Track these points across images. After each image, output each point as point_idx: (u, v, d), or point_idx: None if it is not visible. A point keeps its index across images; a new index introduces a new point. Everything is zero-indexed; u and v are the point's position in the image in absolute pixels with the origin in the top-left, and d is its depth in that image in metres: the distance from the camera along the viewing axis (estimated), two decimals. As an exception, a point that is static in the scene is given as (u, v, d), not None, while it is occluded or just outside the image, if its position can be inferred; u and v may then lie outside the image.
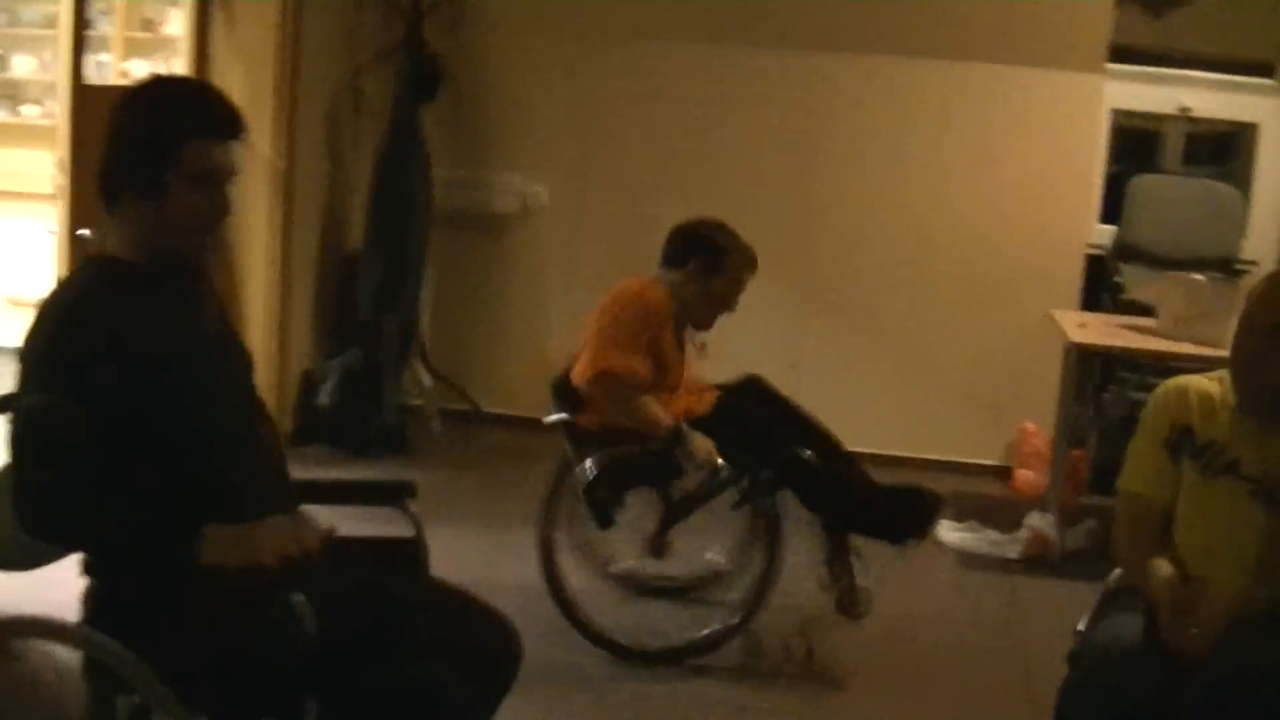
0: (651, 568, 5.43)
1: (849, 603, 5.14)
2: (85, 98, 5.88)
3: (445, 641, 3.12)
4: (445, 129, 7.75)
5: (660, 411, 4.92)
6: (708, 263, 5.16)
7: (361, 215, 7.53)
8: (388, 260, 7.36)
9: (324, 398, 7.33)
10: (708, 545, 5.66)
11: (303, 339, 7.42)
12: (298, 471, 3.39)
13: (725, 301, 5.24)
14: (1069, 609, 5.57)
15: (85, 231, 5.83)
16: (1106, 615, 3.69)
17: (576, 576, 5.30)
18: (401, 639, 3.05)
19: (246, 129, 3.06)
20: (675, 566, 5.48)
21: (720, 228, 5.28)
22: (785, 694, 4.96)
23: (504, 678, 3.27)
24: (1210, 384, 3.71)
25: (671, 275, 5.15)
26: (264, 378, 6.86)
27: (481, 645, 3.23)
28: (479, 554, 5.74)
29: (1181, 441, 3.66)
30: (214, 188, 3.01)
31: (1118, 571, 3.84)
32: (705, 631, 5.19)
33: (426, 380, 7.76)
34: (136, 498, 2.87)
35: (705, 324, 5.27)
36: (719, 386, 5.38)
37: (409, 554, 3.50)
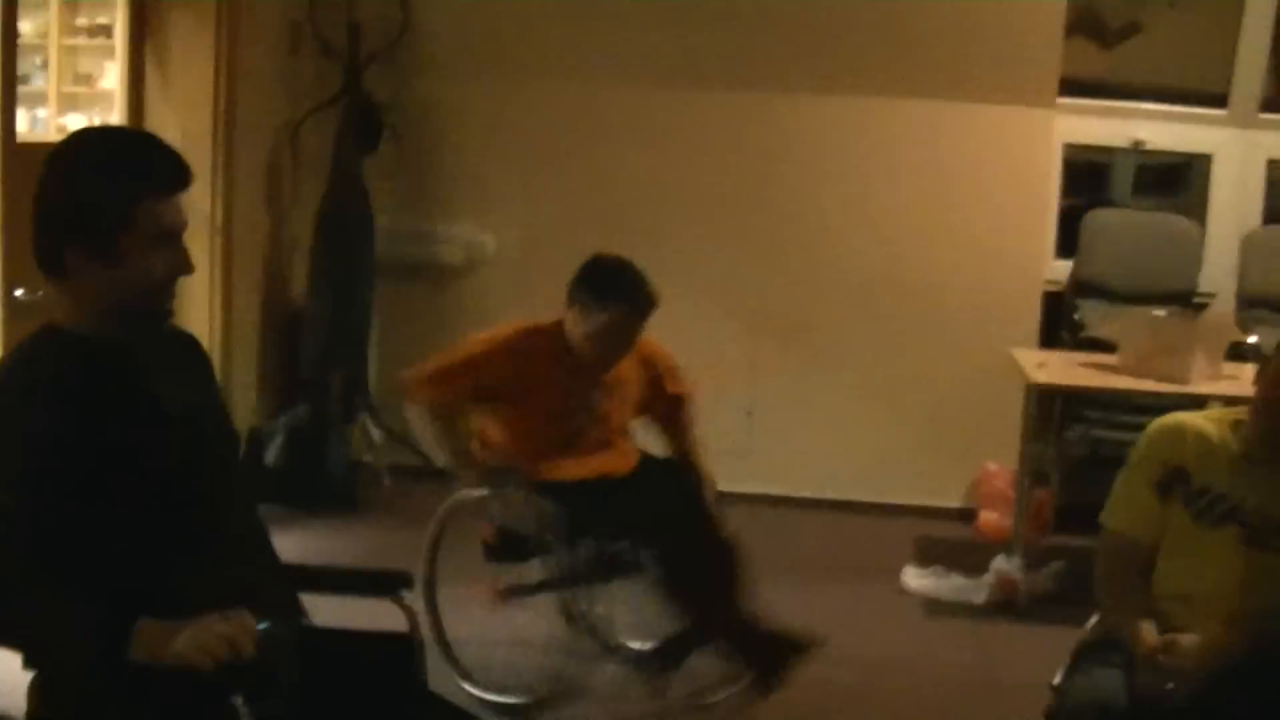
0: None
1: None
2: (19, 155, 5.74)
3: None
4: (388, 179, 7.63)
5: (437, 434, 4.98)
6: (589, 301, 4.93)
7: (304, 269, 7.39)
8: (332, 314, 7.24)
9: (271, 456, 7.20)
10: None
11: (248, 397, 7.27)
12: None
13: (604, 342, 4.96)
14: (1039, 655, 5.52)
15: (20, 292, 5.68)
16: (1082, 668, 3.57)
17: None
18: None
19: (192, 177, 2.90)
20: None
21: (610, 264, 5.04)
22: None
23: None
24: (1208, 424, 3.62)
25: (568, 315, 4.99)
26: (207, 439, 6.80)
27: None
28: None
29: (1174, 483, 3.58)
30: (170, 245, 2.84)
31: (1092, 622, 3.73)
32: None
33: (375, 436, 7.63)
34: (69, 590, 2.67)
35: (599, 369, 5.03)
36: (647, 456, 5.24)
37: (401, 653, 3.23)
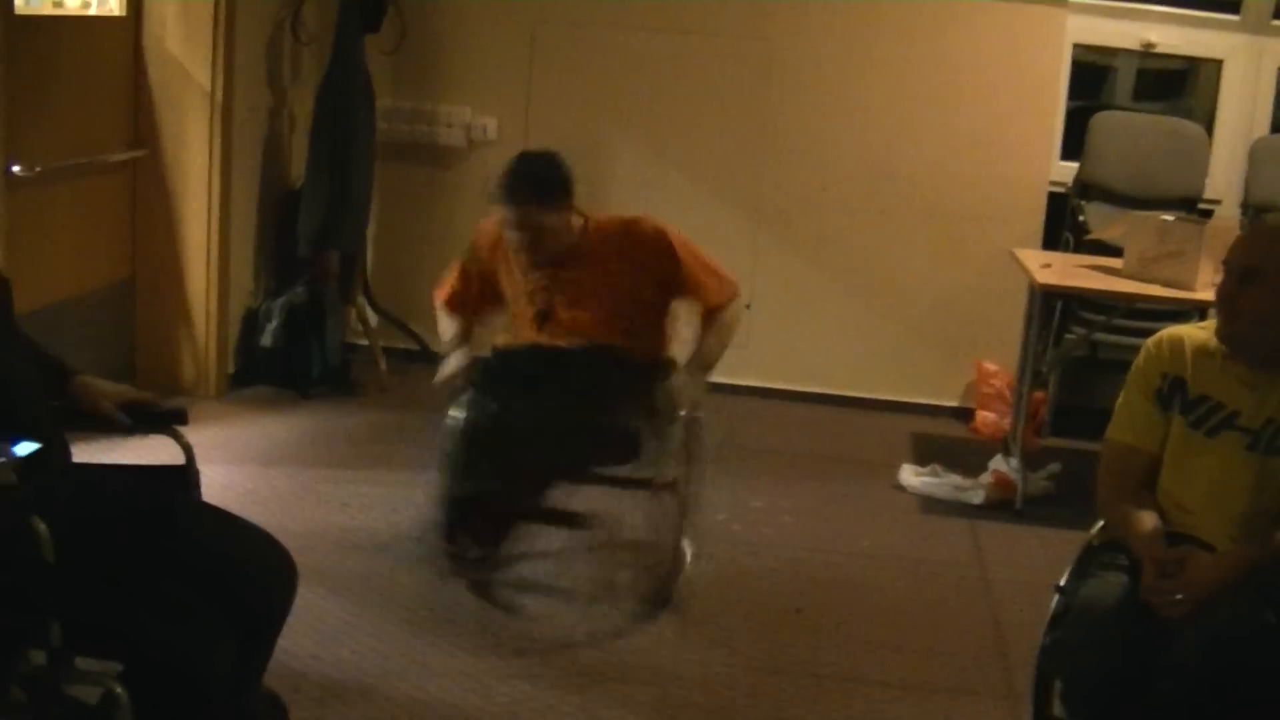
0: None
1: None
2: (16, 27, 5.66)
3: (204, 566, 3.15)
4: (389, 60, 7.54)
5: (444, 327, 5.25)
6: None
7: (303, 149, 7.32)
8: (330, 195, 7.17)
9: (266, 338, 7.17)
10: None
11: (244, 277, 7.21)
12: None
13: (512, 236, 5.01)
14: (1034, 555, 5.61)
15: (18, 168, 5.63)
16: (1088, 572, 3.57)
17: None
18: (150, 562, 3.08)
19: None
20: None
21: (515, 159, 5.09)
22: (749, 640, 4.84)
23: (273, 600, 3.32)
24: (1206, 335, 3.66)
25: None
26: (203, 317, 6.78)
27: (246, 569, 3.26)
28: (424, 496, 5.59)
29: (1172, 393, 3.61)
30: None
31: (1098, 526, 3.73)
32: None
33: (371, 318, 7.59)
34: None
35: (519, 261, 5.09)
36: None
37: (177, 481, 3.52)
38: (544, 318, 5.06)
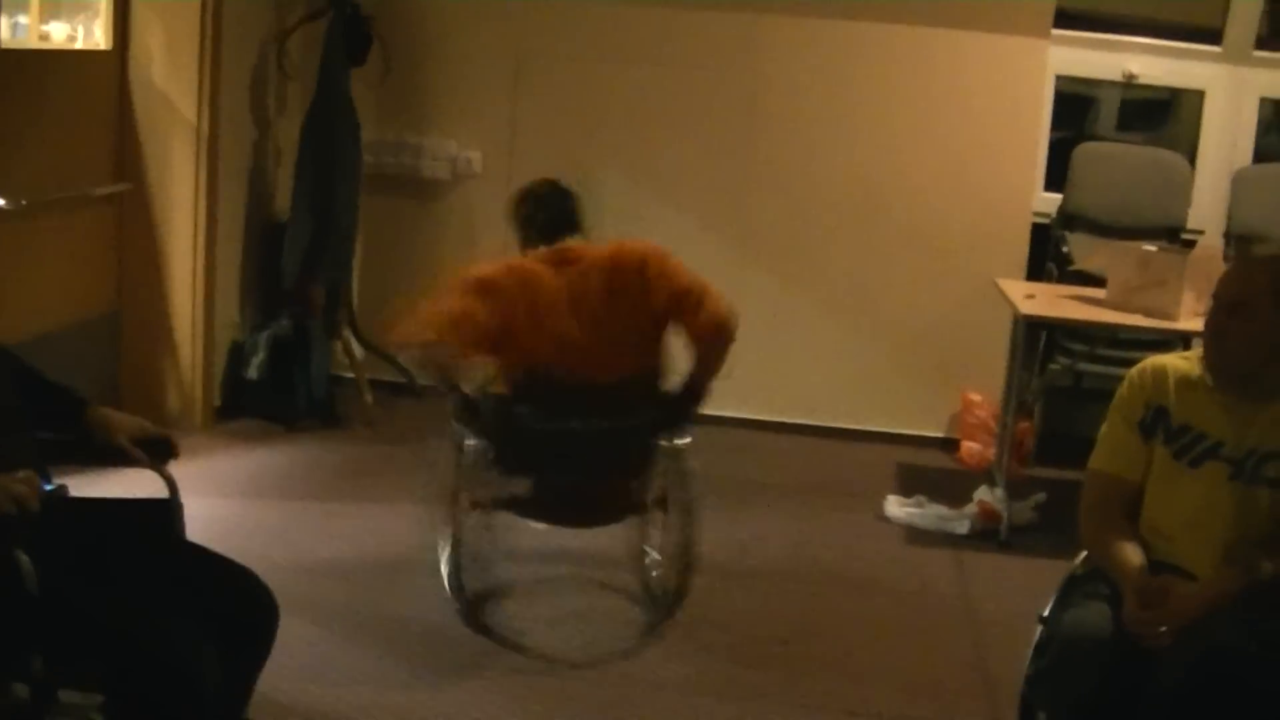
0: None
1: None
2: (1, 61, 5.68)
3: (181, 600, 3.14)
4: (375, 92, 7.56)
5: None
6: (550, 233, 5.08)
7: (288, 181, 7.33)
8: (315, 227, 7.18)
9: (252, 371, 7.17)
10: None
11: (229, 309, 7.22)
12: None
13: None
14: (1020, 586, 5.61)
15: (2, 201, 5.65)
16: (1071, 602, 3.58)
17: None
18: (133, 595, 3.07)
19: None
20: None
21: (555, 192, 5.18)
22: (735, 670, 4.85)
23: (255, 635, 3.32)
24: (1189, 364, 3.69)
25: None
26: (189, 350, 6.79)
27: (230, 606, 3.26)
28: (410, 529, 5.59)
29: (1155, 422, 3.64)
30: None
31: (1081, 556, 3.74)
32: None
33: (358, 351, 7.59)
34: None
35: None
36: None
37: (161, 515, 3.49)
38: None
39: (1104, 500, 3.67)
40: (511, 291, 4.83)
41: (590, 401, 4.80)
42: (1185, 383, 3.62)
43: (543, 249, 4.99)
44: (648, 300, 4.99)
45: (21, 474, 2.92)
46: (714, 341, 5.03)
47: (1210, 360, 3.58)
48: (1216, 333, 3.55)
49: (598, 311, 4.90)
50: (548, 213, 5.05)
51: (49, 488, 2.96)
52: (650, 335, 5.01)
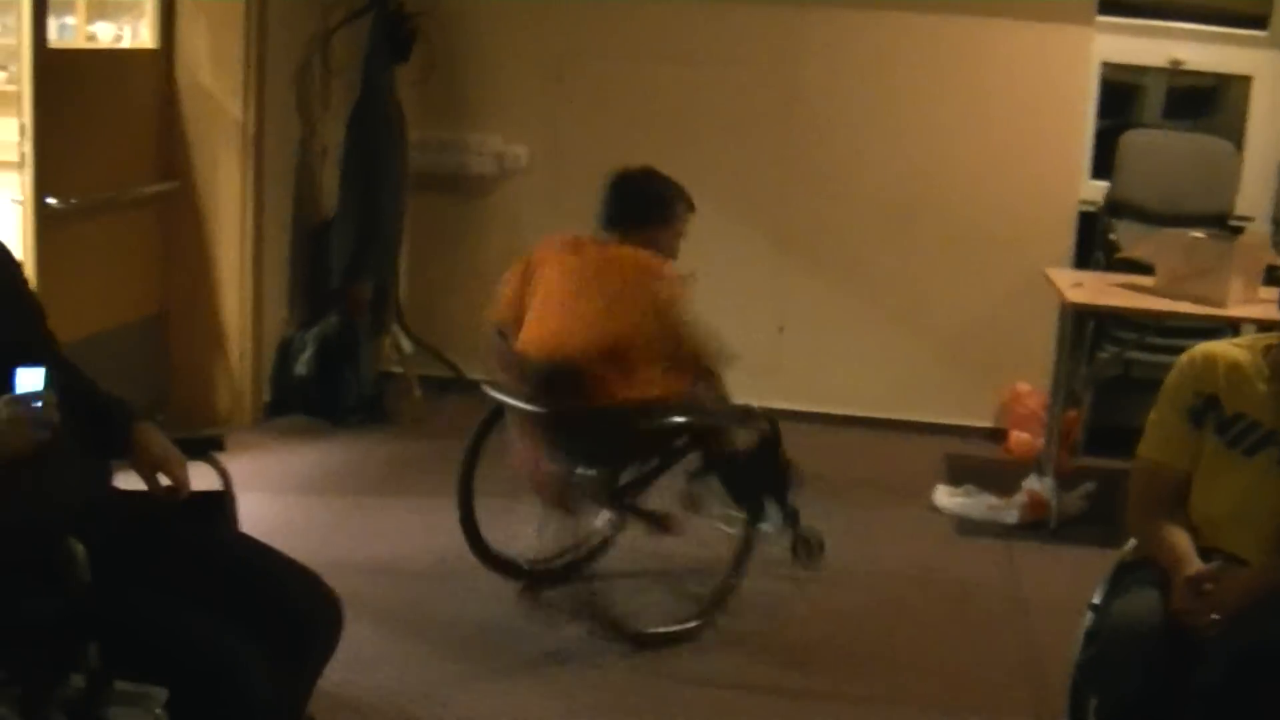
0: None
1: (803, 546, 5.29)
2: (49, 61, 5.71)
3: (244, 594, 3.15)
4: (419, 89, 7.57)
5: None
6: (663, 218, 5.05)
7: (334, 179, 7.36)
8: (362, 224, 7.20)
9: (300, 368, 7.19)
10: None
11: (277, 307, 7.25)
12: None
13: (675, 253, 5.09)
14: (1069, 575, 5.58)
15: (52, 200, 5.68)
16: (1121, 588, 3.56)
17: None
18: (195, 585, 3.09)
19: None
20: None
21: (657, 176, 5.13)
22: (782, 665, 4.85)
23: (318, 638, 3.30)
24: (1240, 352, 3.63)
25: (630, 235, 4.98)
26: (237, 348, 6.82)
27: (290, 602, 3.25)
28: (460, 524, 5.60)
29: (1206, 411, 3.58)
30: None
31: (1131, 543, 3.72)
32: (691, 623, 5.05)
33: (406, 347, 7.61)
34: None
35: None
36: None
37: (215, 507, 3.51)
38: None
39: (1152, 488, 3.64)
40: (521, 270, 5.02)
41: (537, 378, 4.90)
42: (1236, 371, 3.56)
43: (569, 236, 5.05)
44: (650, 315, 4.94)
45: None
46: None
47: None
48: None
49: (589, 299, 4.89)
50: (622, 200, 5.05)
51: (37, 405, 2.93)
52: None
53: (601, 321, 4.75)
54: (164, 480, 3.29)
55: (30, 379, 2.90)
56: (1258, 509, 3.49)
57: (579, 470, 4.72)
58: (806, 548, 5.26)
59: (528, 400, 4.84)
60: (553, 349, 4.81)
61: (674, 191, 5.09)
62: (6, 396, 2.88)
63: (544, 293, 4.92)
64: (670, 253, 5.03)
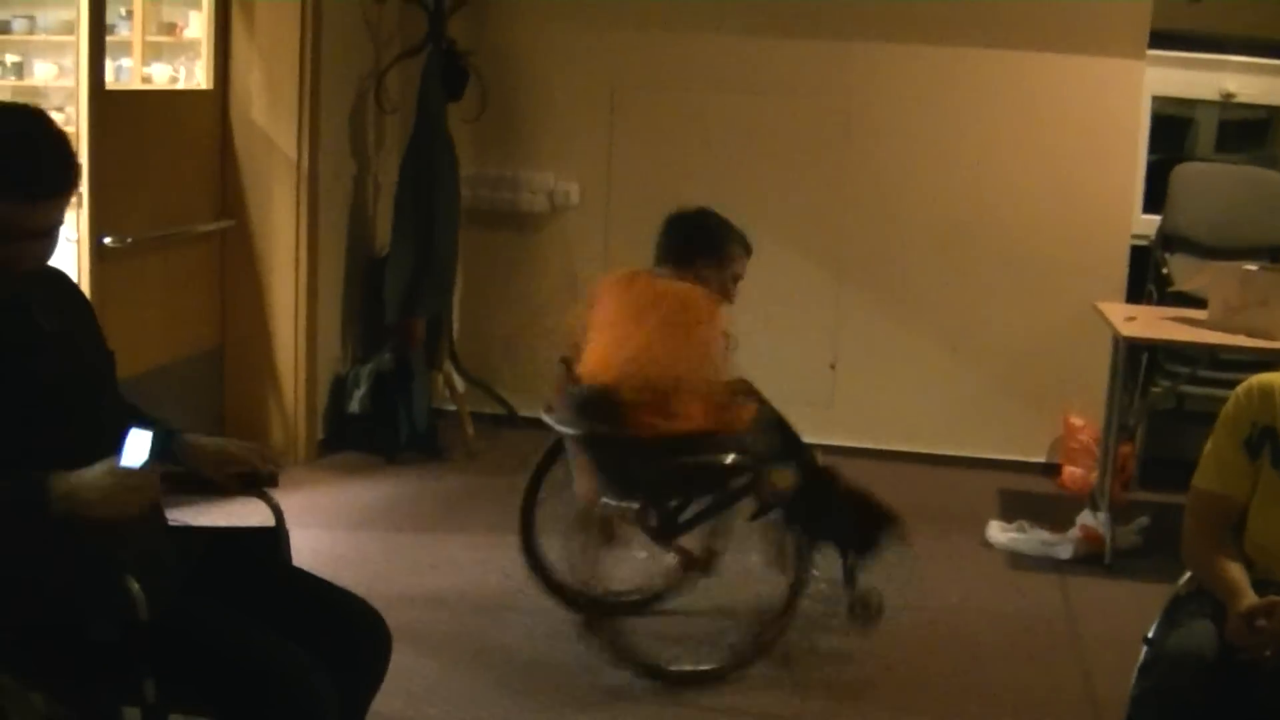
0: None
1: (861, 608, 5.09)
2: (106, 102, 5.78)
3: (296, 627, 3.15)
4: (472, 127, 7.62)
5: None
6: (715, 256, 5.04)
7: (388, 216, 7.41)
8: (415, 261, 7.24)
9: (354, 404, 7.24)
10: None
11: (331, 343, 7.29)
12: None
13: (729, 294, 5.09)
14: (1125, 610, 5.55)
15: (109, 239, 5.74)
16: (1176, 621, 3.55)
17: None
18: (243, 626, 3.09)
19: (75, 183, 2.99)
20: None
21: (712, 216, 5.15)
22: (838, 699, 4.84)
23: (371, 664, 3.34)
24: None
25: (682, 271, 5.00)
26: (292, 384, 6.86)
27: (342, 632, 3.29)
28: (513, 560, 5.61)
29: (1262, 440, 3.56)
30: (35, 240, 2.95)
31: (1186, 576, 3.70)
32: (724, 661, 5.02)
33: (459, 383, 7.64)
34: None
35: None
36: None
37: (268, 543, 3.53)
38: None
39: (1207, 519, 3.62)
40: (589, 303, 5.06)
41: (575, 403, 4.94)
42: None
43: (628, 270, 5.09)
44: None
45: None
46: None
47: None
48: None
49: (637, 330, 4.91)
50: (673, 237, 5.09)
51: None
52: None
53: (642, 352, 4.77)
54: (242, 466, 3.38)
55: (139, 445, 2.92)
56: None
57: (613, 499, 4.76)
58: (864, 609, 5.12)
59: (569, 425, 4.87)
60: (595, 375, 4.85)
61: (728, 232, 5.11)
62: (111, 464, 2.90)
63: (598, 323, 4.98)
64: (723, 292, 5.04)
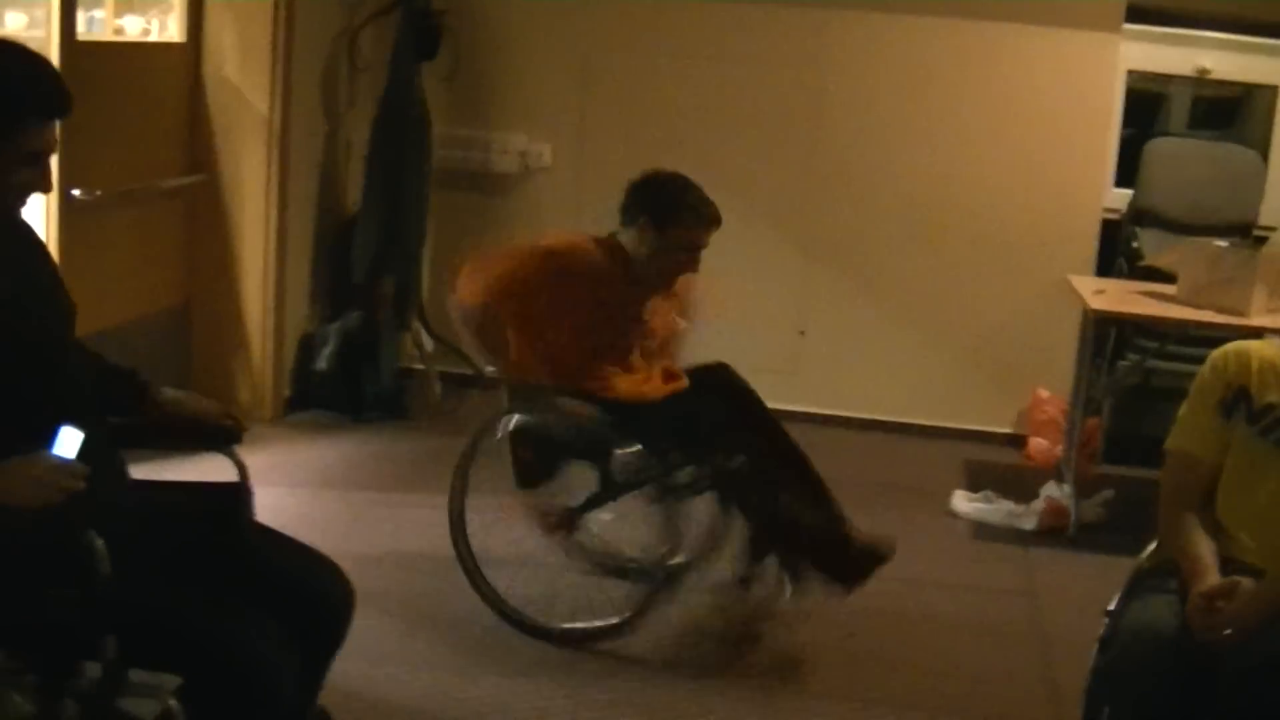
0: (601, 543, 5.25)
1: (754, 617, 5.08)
2: (77, 54, 5.73)
3: (260, 584, 3.17)
4: (445, 87, 7.59)
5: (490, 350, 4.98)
6: (659, 218, 4.89)
7: (359, 175, 7.38)
8: (385, 221, 7.22)
9: (321, 363, 7.21)
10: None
11: (299, 302, 7.27)
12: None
13: (679, 261, 4.94)
14: (1087, 582, 5.57)
15: (78, 192, 5.70)
16: (1137, 596, 3.56)
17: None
18: (214, 574, 3.12)
19: (73, 107, 3.08)
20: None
21: (675, 181, 4.99)
22: (796, 665, 4.87)
23: (333, 622, 3.35)
24: (1270, 349, 3.65)
25: (626, 232, 4.94)
26: (259, 342, 6.83)
27: (305, 590, 3.29)
28: (478, 521, 5.61)
29: (1236, 402, 3.59)
30: (38, 164, 3.04)
31: (1149, 550, 3.71)
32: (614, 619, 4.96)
33: (427, 343, 7.62)
34: None
35: (662, 285, 5.03)
36: (687, 370, 5.16)
37: (232, 499, 3.51)
38: (625, 354, 5.05)
39: (1182, 484, 3.63)
40: (577, 269, 4.88)
41: None
42: (1269, 366, 3.58)
43: (604, 237, 4.99)
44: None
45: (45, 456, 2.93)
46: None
47: None
48: None
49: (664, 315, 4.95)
50: (627, 194, 4.98)
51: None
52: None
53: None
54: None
55: (69, 441, 2.93)
56: (1275, 502, 3.49)
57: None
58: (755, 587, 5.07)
59: None
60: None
61: (683, 198, 4.94)
62: (45, 455, 2.90)
63: None
64: (663, 260, 4.93)
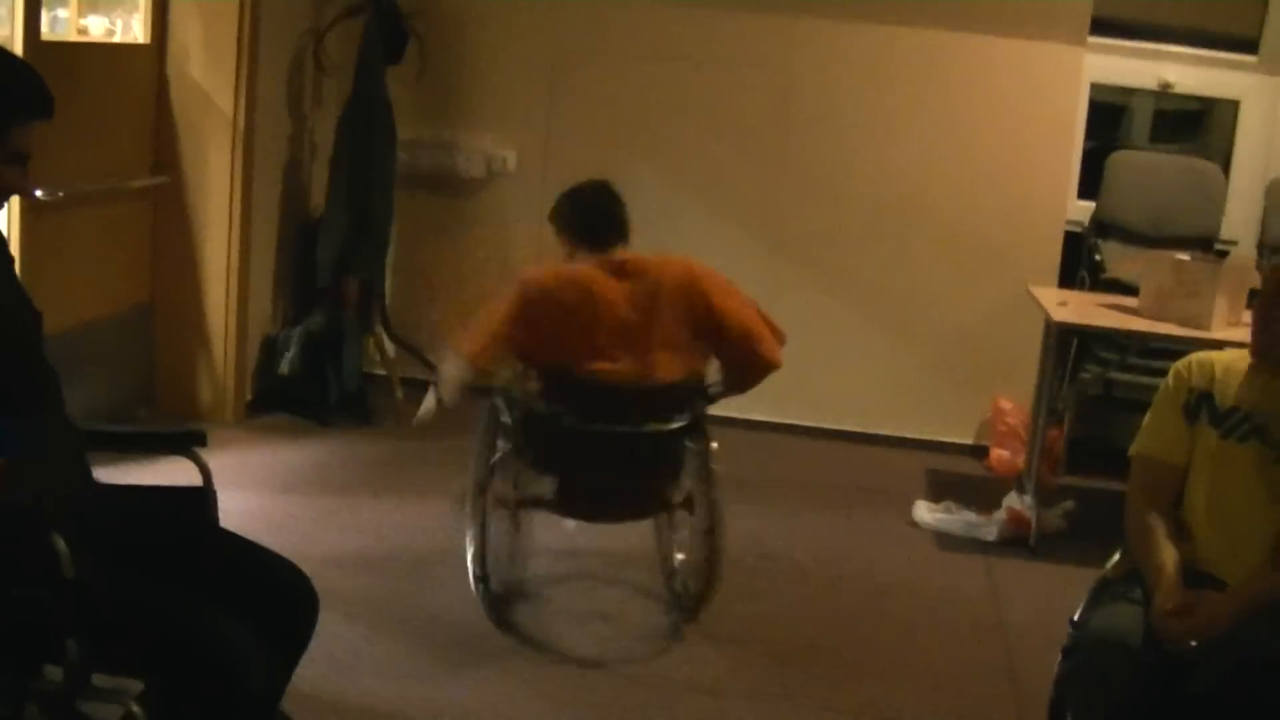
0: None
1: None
2: (41, 53, 5.70)
3: (222, 588, 3.16)
4: (411, 90, 7.57)
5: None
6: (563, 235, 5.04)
7: (324, 177, 7.36)
8: (349, 223, 7.20)
9: (284, 365, 7.18)
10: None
11: (263, 304, 7.24)
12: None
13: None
14: (1049, 592, 5.61)
15: (40, 192, 5.67)
16: (1102, 603, 3.59)
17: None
18: (169, 584, 3.10)
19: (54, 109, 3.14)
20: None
21: (586, 197, 5.08)
22: (763, 669, 4.85)
23: (295, 631, 3.34)
24: (1234, 357, 3.73)
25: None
26: (222, 343, 6.81)
27: (269, 593, 3.28)
28: (440, 525, 5.61)
29: (1200, 406, 3.67)
30: (20, 165, 3.09)
31: (1115, 559, 3.73)
32: None
33: (389, 348, 7.60)
34: None
35: None
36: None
37: (196, 502, 3.53)
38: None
39: (1148, 489, 3.69)
40: (570, 302, 4.78)
41: (636, 404, 4.81)
42: (1231, 371, 3.67)
43: (597, 257, 4.90)
44: (713, 322, 4.98)
45: None
46: (759, 376, 5.10)
47: (1256, 345, 3.63)
48: (1264, 317, 3.61)
49: (660, 324, 4.85)
50: (592, 216, 4.98)
51: None
52: (699, 346, 4.97)
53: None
54: None
55: None
56: (1245, 513, 3.55)
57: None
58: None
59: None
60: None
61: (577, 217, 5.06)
62: None
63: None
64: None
